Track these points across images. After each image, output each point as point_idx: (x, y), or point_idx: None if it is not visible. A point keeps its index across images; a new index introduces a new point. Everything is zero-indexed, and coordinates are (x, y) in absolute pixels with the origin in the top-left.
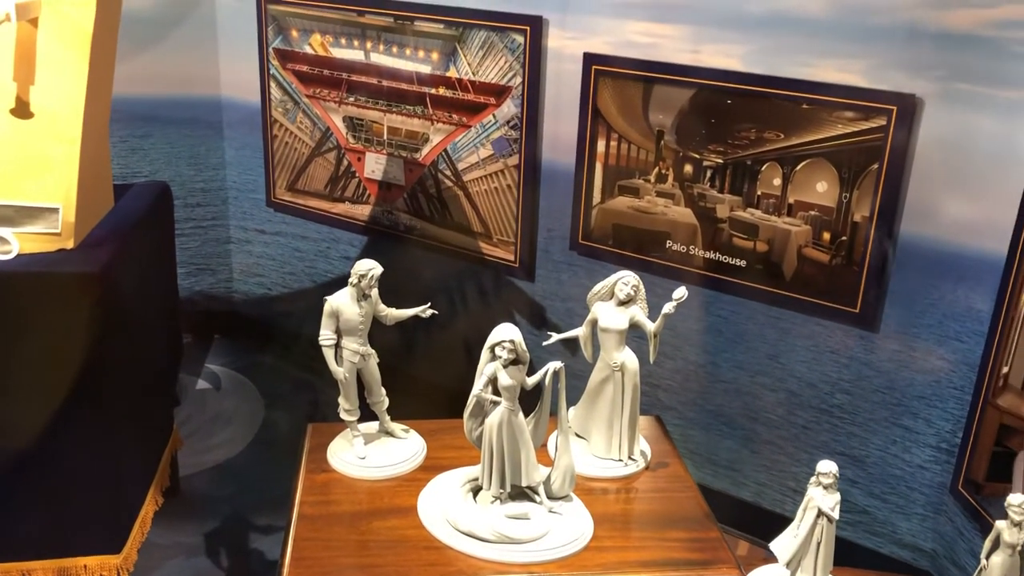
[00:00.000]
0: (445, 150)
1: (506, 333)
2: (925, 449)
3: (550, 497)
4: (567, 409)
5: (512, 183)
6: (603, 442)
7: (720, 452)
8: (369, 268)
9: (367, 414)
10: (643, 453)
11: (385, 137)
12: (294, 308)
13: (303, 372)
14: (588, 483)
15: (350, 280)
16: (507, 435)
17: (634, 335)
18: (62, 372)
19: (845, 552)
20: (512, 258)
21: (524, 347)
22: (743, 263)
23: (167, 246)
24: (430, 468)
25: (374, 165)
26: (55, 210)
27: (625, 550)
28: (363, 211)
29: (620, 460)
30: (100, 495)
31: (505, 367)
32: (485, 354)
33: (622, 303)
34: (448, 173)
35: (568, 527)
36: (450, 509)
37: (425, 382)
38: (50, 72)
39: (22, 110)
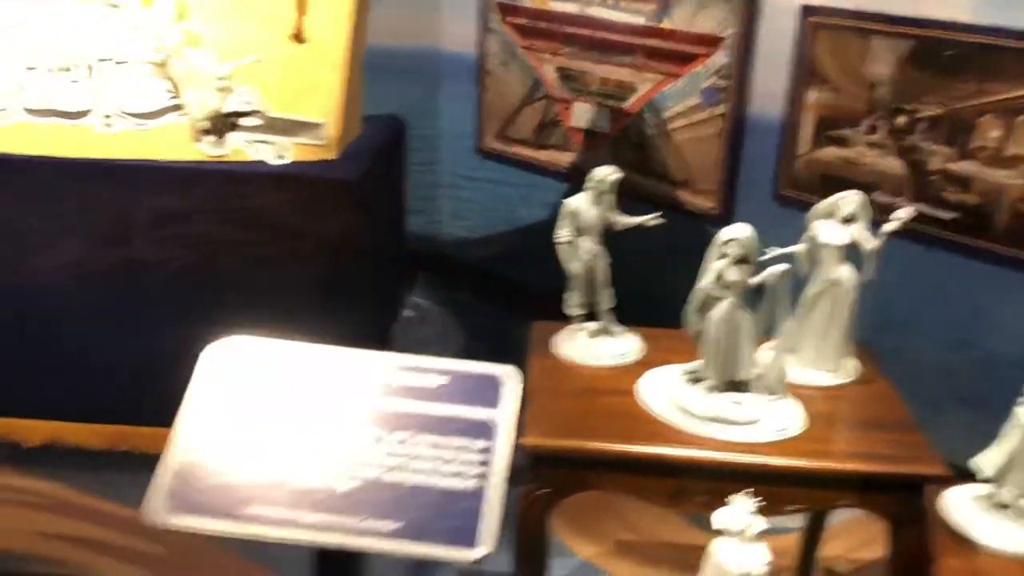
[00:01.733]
0: (652, 99)
1: (737, 231)
2: None
3: (764, 392)
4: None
5: (717, 132)
6: (813, 354)
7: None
8: (607, 173)
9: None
10: (854, 368)
11: (594, 87)
12: (496, 251)
13: (501, 310)
14: (796, 390)
15: (587, 184)
16: (729, 329)
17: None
18: (312, 264)
19: None
20: (713, 207)
21: (753, 247)
22: (954, 216)
23: (400, 173)
24: (647, 364)
25: (581, 114)
26: (322, 125)
27: (832, 442)
28: (566, 159)
29: (829, 372)
30: None
31: (733, 264)
32: (714, 251)
33: (845, 220)
34: (653, 122)
35: (780, 417)
36: (670, 390)
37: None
38: (322, 5)
39: (299, 37)
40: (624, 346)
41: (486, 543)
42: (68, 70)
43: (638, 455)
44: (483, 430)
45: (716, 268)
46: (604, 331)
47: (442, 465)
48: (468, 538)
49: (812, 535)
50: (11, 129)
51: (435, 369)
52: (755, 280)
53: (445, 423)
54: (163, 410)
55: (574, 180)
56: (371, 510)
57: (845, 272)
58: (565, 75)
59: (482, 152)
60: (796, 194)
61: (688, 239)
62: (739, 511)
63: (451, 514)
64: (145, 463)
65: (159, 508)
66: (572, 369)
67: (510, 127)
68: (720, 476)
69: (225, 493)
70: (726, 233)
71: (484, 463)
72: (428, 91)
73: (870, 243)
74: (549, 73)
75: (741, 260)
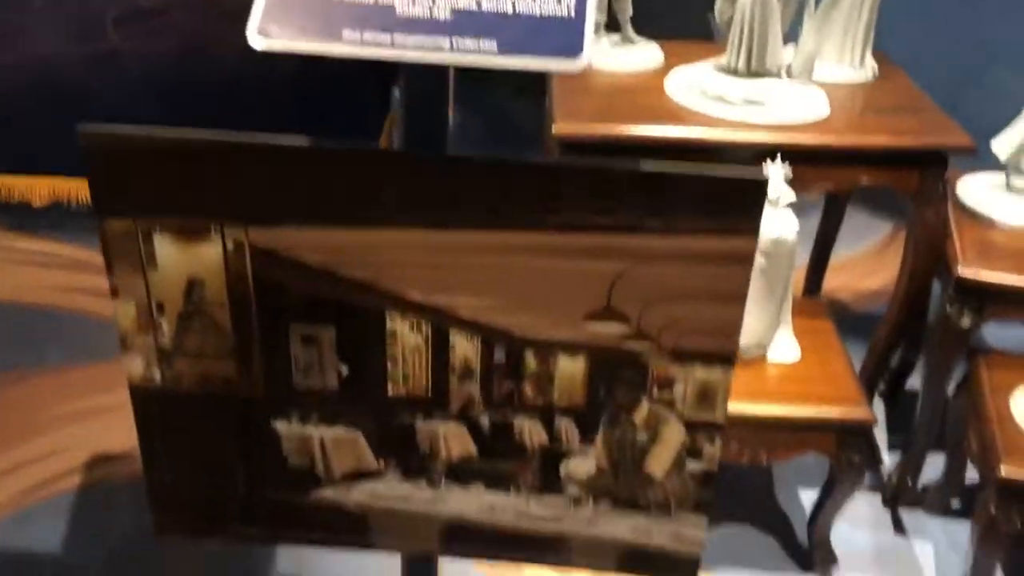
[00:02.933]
0: None
1: None
2: None
3: (790, 79)
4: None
5: None
6: (836, 49)
7: None
8: None
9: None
10: (874, 66)
11: None
12: None
13: None
14: (821, 85)
15: None
16: (759, 14)
17: None
18: None
19: None
20: None
21: None
22: None
23: None
24: (670, 68)
25: None
26: None
27: (860, 123)
28: None
29: (852, 68)
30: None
31: None
32: None
33: None
34: None
35: (807, 103)
36: (697, 81)
37: None
38: None
39: None
40: (646, 53)
41: (587, 56)
42: None
43: (669, 138)
44: None
45: None
46: (625, 39)
47: None
48: (570, 53)
49: (817, 268)
50: None
51: None
52: None
53: None
54: None
55: None
56: (471, 32)
57: None
58: None
59: None
60: None
61: None
62: (773, 179)
63: (551, 34)
64: None
65: (254, 31)
66: (596, 76)
67: None
68: (750, 155)
69: (321, 17)
70: None
71: None
72: None
73: None
74: None
75: None
